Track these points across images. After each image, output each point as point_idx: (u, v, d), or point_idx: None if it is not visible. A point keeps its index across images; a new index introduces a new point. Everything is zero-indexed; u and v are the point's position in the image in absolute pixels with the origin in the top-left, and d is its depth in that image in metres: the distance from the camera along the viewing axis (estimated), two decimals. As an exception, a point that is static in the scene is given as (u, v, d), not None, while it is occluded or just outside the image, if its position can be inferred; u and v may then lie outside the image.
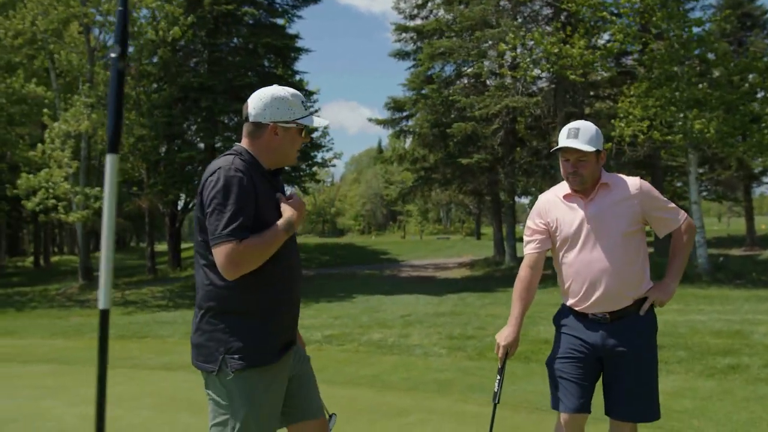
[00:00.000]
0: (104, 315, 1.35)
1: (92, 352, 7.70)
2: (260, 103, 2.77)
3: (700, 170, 25.94)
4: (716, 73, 21.45)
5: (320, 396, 3.09)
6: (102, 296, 1.33)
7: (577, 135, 3.26)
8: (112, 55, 1.29)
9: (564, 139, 3.30)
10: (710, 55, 20.32)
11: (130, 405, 6.35)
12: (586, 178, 3.27)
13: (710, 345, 8.23)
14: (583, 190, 3.33)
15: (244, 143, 2.83)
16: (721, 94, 19.41)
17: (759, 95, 20.91)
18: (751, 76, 20.87)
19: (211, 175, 2.67)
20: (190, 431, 5.44)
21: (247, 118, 2.81)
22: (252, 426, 2.71)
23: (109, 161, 1.29)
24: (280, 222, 2.68)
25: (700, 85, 20.03)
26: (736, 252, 32.07)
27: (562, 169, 3.36)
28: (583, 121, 3.39)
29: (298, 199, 2.80)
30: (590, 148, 3.22)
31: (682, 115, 19.53)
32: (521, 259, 3.53)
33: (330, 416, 3.16)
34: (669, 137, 19.47)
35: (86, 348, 10.73)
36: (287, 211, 2.72)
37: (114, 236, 1.31)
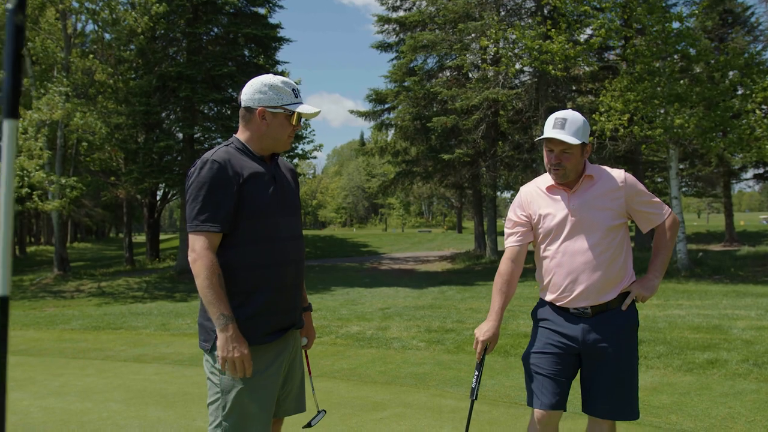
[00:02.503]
0: (3, 303, 1.20)
1: (64, 344, 7.52)
2: (250, 88, 2.87)
3: (681, 166, 26.08)
4: (697, 69, 21.52)
5: (304, 394, 3.10)
6: (1, 281, 1.17)
7: (564, 126, 3.15)
8: (8, 6, 1.13)
9: (550, 129, 3.18)
10: (691, 51, 20.38)
11: (99, 398, 6.20)
12: (569, 171, 3.17)
13: (689, 340, 8.20)
14: (566, 182, 3.23)
15: (239, 130, 2.93)
16: (701, 90, 19.49)
17: (739, 92, 20.97)
18: (731, 72, 20.95)
19: (192, 167, 2.80)
20: (159, 426, 5.28)
21: (240, 104, 2.91)
22: (243, 406, 2.73)
23: (7, 128, 1.13)
24: (221, 316, 2.63)
25: (681, 81, 20.08)
26: (715, 247, 32.35)
27: (545, 159, 3.25)
28: (571, 111, 3.27)
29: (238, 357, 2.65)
30: (576, 141, 3.11)
31: (662, 110, 19.59)
32: (502, 253, 3.41)
33: (318, 412, 3.21)
34: (650, 132, 19.52)
35: (58, 339, 10.52)
36: (221, 341, 2.64)
37: (12, 213, 1.14)
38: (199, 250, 2.66)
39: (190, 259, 2.69)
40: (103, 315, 13.80)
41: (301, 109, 2.86)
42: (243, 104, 2.87)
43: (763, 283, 18.96)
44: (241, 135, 2.90)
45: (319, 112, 2.89)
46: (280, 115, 2.84)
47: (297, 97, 2.87)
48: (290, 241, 2.90)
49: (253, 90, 2.85)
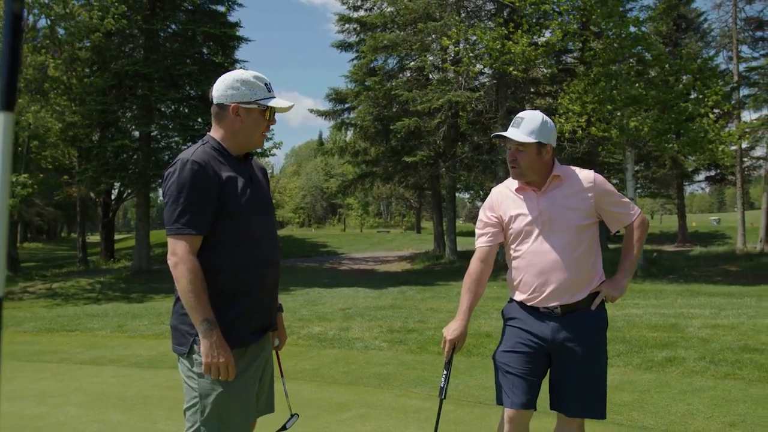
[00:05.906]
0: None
1: (16, 347, 7.27)
2: (222, 85, 2.79)
3: (636, 168, 26.58)
4: (652, 73, 21.97)
5: (273, 395, 3.06)
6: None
7: (520, 125, 3.19)
8: None
9: (509, 127, 3.23)
10: (647, 55, 20.80)
11: (55, 402, 6.03)
12: (525, 169, 3.18)
13: (647, 338, 8.34)
14: (534, 182, 3.23)
15: (212, 129, 2.85)
16: (656, 94, 19.89)
17: (692, 96, 21.48)
18: (685, 77, 21.45)
19: (171, 167, 2.70)
20: (120, 430, 5.16)
21: (212, 101, 2.83)
22: (222, 410, 2.66)
23: (2, 121, 1.07)
24: (204, 322, 2.57)
25: (637, 84, 20.48)
26: (668, 248, 33.09)
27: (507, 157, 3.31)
28: (534, 111, 3.29)
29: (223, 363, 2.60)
30: (527, 139, 3.14)
31: (618, 113, 19.95)
32: (462, 253, 3.43)
33: (291, 416, 3.15)
34: (606, 133, 19.88)
35: (9, 342, 10.20)
36: (204, 347, 2.58)
37: (8, 213, 1.08)
38: (180, 254, 2.58)
39: (170, 263, 2.61)
40: (57, 317, 13.46)
41: (274, 103, 2.80)
42: (215, 101, 2.78)
43: (715, 282, 19.45)
44: (215, 133, 2.81)
45: (292, 105, 2.84)
46: (254, 111, 2.77)
47: (270, 92, 2.81)
48: (268, 241, 2.86)
49: (225, 86, 2.77)
